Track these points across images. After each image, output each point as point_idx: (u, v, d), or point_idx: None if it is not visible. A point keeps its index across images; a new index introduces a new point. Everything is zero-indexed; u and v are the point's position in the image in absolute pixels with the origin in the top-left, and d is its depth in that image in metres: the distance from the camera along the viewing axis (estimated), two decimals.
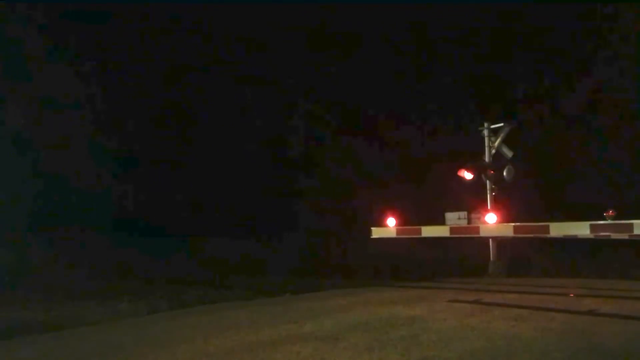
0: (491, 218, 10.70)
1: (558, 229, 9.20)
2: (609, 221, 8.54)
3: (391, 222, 11.70)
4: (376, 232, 11.92)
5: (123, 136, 17.19)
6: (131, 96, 17.12)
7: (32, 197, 15.65)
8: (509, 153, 12.20)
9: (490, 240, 12.07)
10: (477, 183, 12.29)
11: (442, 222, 11.23)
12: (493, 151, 12.40)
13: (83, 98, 16.76)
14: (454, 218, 11.13)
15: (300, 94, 18.59)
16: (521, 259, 12.98)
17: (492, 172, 12.13)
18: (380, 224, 11.83)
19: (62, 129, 16.07)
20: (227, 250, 15.89)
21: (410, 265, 13.41)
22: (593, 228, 8.65)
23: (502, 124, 12.40)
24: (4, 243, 14.21)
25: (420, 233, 11.11)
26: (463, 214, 11.07)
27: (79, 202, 15.85)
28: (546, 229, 9.17)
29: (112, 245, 15.10)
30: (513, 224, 10.03)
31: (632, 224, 8.16)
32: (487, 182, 12.21)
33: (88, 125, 16.65)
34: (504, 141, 12.30)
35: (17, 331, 7.04)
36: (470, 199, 12.17)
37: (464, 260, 13.17)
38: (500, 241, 12.02)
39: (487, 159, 12.42)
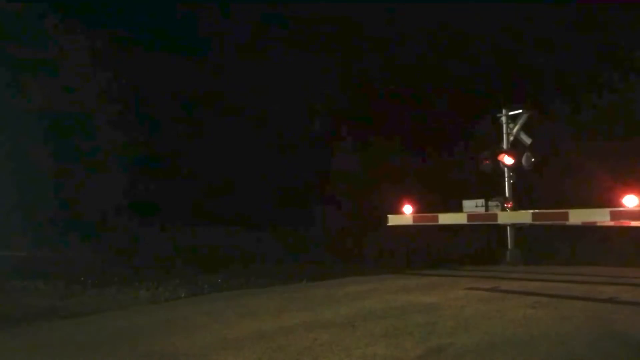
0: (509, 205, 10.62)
1: (577, 216, 9.10)
2: (629, 208, 8.43)
3: (408, 209, 11.65)
4: (392, 220, 11.88)
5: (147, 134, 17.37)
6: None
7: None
8: (527, 140, 12.05)
9: (508, 227, 11.97)
10: (495, 170, 12.19)
11: (459, 209, 11.18)
12: (511, 138, 12.27)
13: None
14: (472, 206, 11.06)
15: (316, 81, 18.52)
16: (540, 246, 12.88)
17: (511, 158, 11.99)
18: (397, 211, 11.79)
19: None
20: (243, 238, 16.02)
21: (426, 252, 13.37)
22: (613, 215, 8.54)
23: (520, 111, 12.25)
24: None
25: (437, 220, 11.05)
26: (481, 201, 11.00)
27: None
28: (565, 216, 9.08)
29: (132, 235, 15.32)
30: (532, 211, 9.94)
31: None
32: (505, 169, 12.09)
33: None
34: (522, 128, 12.16)
35: (37, 317, 7.16)
36: (488, 187, 12.09)
37: (481, 248, 13.11)
38: (519, 228, 11.92)
39: (505, 145, 12.29)
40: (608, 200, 8.77)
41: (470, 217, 10.73)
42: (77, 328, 6.67)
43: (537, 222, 10.05)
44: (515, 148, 12.11)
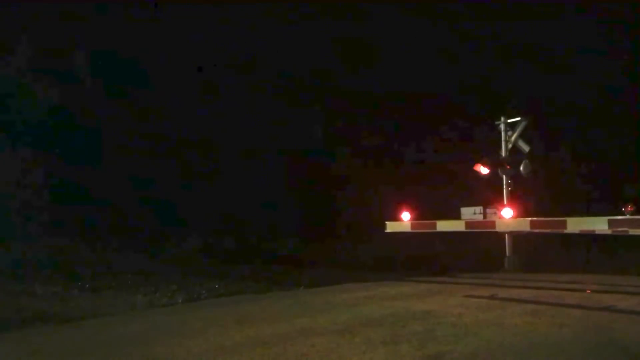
0: (507, 213, 10.63)
1: (575, 224, 9.12)
2: (628, 216, 8.44)
3: (406, 216, 11.66)
4: (391, 227, 11.89)
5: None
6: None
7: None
8: (525, 147, 12.08)
9: (507, 235, 11.98)
10: (493, 178, 12.21)
11: (458, 216, 11.19)
12: (510, 145, 12.29)
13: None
14: (470, 213, 11.08)
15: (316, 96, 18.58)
16: (538, 254, 12.88)
17: (508, 166, 12.02)
18: (395, 217, 11.80)
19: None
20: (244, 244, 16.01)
21: (424, 259, 13.35)
22: (611, 223, 8.56)
23: (519, 118, 12.28)
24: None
25: (435, 227, 11.07)
26: (479, 209, 11.03)
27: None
28: (563, 224, 9.10)
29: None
30: (530, 218, 9.95)
31: None
32: (504, 176, 12.11)
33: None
34: (520, 135, 12.19)
35: (35, 321, 7.14)
36: (487, 194, 12.11)
37: (479, 255, 13.10)
38: (517, 236, 11.93)
39: (503, 153, 12.31)
40: None
41: (468, 224, 10.74)
42: (73, 333, 6.65)
43: (535, 230, 10.05)
44: (514, 155, 12.15)
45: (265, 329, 6.19)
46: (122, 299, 8.86)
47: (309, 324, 6.39)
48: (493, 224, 10.59)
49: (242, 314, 7.45)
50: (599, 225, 8.82)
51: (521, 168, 11.77)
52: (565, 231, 9.48)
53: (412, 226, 11.48)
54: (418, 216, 11.67)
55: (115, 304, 8.46)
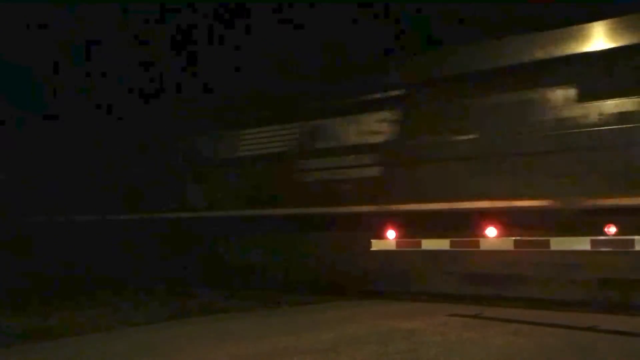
0: (491, 231, 10.66)
1: (558, 244, 9.18)
2: (610, 237, 8.52)
3: (391, 234, 11.66)
4: (376, 245, 11.86)
5: None
6: None
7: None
8: None
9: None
10: None
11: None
12: None
13: None
14: None
15: None
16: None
17: None
18: (381, 235, 11.78)
19: None
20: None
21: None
22: (593, 243, 8.62)
23: None
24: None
25: (420, 245, 11.06)
26: None
27: None
28: (547, 244, 9.14)
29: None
30: (513, 237, 10.00)
31: (633, 240, 8.14)
32: None
33: None
34: None
35: (14, 340, 7.00)
36: None
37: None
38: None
39: None
40: None
41: (453, 243, 10.75)
42: (53, 352, 6.53)
43: (518, 249, 10.09)
44: None
45: (248, 348, 6.13)
46: (105, 314, 8.74)
47: (293, 343, 6.34)
48: (477, 242, 10.61)
49: (226, 331, 7.38)
50: (582, 245, 8.88)
51: None
52: (549, 250, 9.52)
53: (398, 244, 11.45)
54: (405, 234, 11.65)
55: (97, 321, 8.33)
